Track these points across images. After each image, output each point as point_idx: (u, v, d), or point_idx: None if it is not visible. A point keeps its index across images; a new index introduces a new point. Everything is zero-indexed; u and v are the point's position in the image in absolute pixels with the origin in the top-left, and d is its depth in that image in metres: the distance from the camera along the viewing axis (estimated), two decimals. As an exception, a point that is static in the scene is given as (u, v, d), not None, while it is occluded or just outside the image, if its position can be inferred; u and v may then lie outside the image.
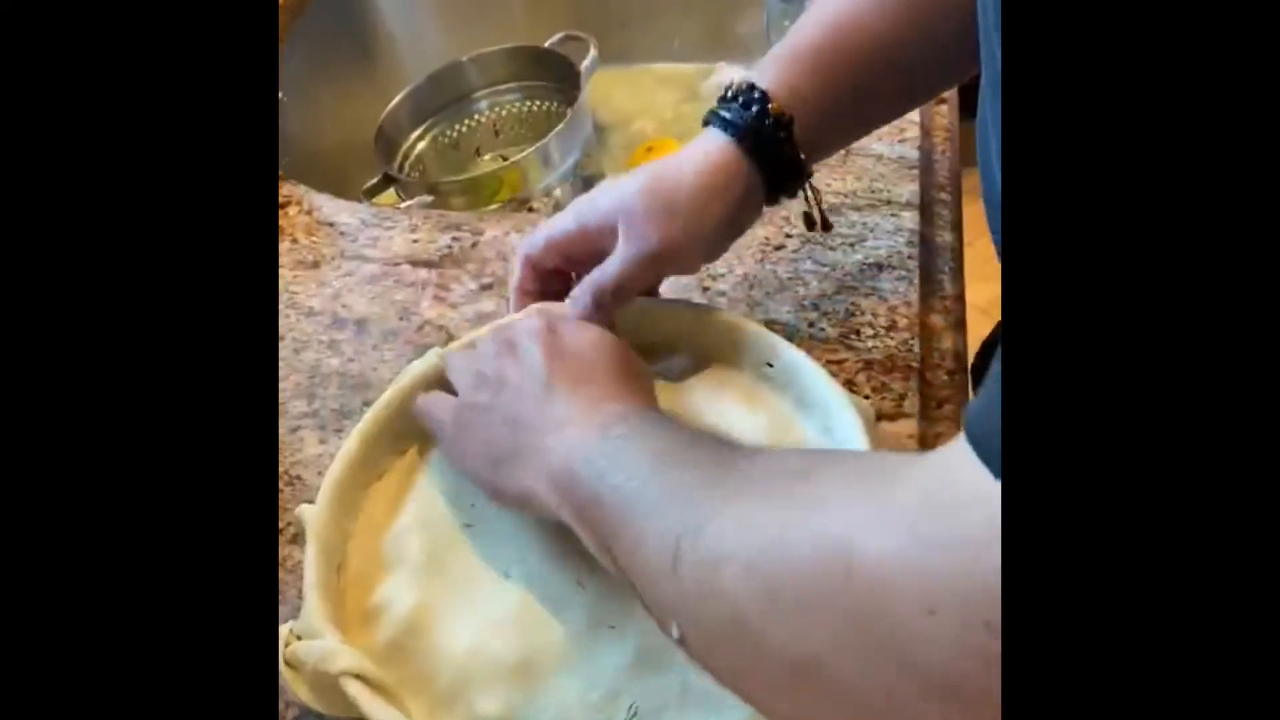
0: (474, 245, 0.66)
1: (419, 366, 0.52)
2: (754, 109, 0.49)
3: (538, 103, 0.98)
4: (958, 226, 0.63)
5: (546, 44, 0.95)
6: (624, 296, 0.50)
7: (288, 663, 0.44)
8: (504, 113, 0.99)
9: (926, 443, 0.52)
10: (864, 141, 0.66)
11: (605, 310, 0.50)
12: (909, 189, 0.63)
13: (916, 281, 0.58)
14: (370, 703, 0.41)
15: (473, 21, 1.03)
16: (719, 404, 0.51)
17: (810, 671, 0.30)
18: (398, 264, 0.65)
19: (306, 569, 0.46)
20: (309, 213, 0.70)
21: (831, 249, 0.61)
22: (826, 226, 0.57)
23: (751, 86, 0.49)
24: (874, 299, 0.58)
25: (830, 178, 0.64)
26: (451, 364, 0.51)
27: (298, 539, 0.50)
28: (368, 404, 0.56)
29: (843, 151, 0.66)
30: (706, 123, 0.51)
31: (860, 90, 0.51)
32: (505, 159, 0.92)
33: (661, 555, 0.35)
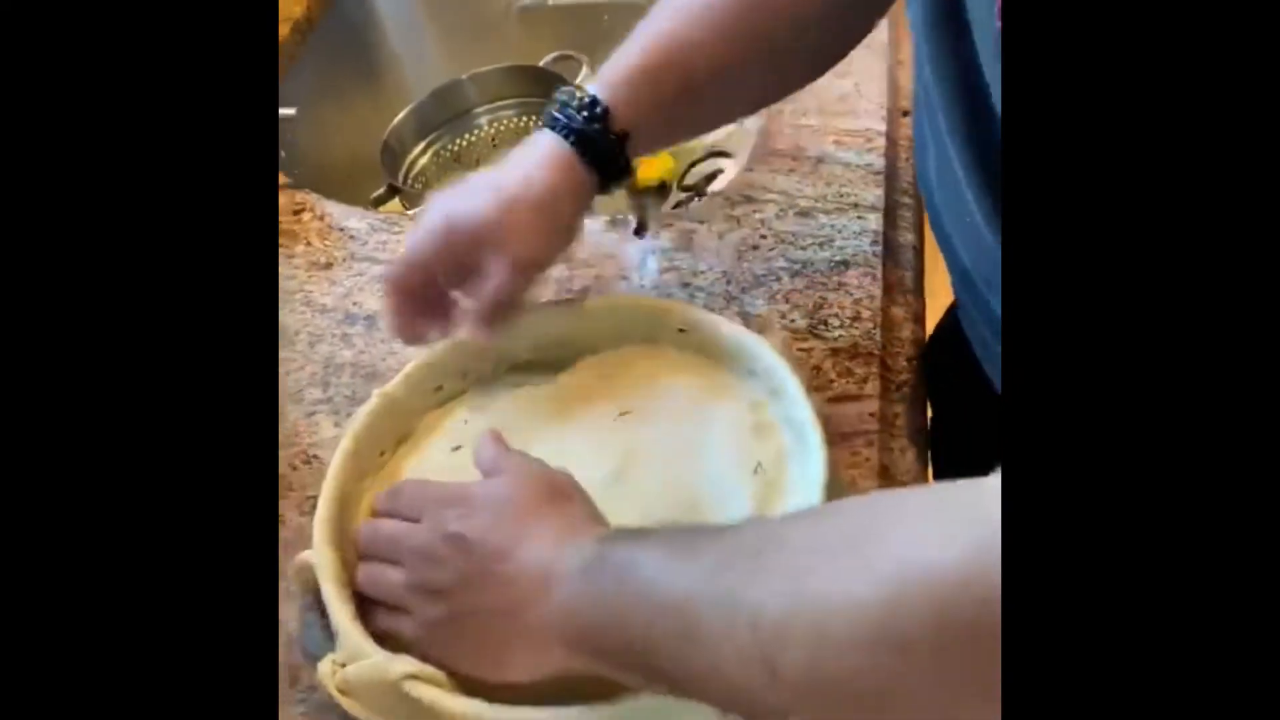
0: (475, 247, 0.71)
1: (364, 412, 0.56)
2: (596, 125, 0.53)
3: (534, 118, 1.03)
4: (919, 228, 0.68)
5: (541, 63, 1.01)
6: (515, 308, 0.54)
7: (341, 691, 0.46)
8: (502, 128, 1.04)
9: (886, 420, 0.57)
10: (833, 150, 0.72)
11: (501, 324, 0.53)
12: (874, 194, 0.68)
13: (880, 277, 0.64)
14: (442, 697, 0.43)
15: (472, 42, 1.09)
16: (649, 380, 0.56)
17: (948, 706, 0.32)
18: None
19: (331, 607, 0.48)
20: (321, 218, 0.75)
21: (803, 249, 0.66)
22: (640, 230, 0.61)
23: (595, 101, 0.53)
24: (841, 294, 0.63)
25: (802, 184, 0.70)
26: (375, 579, 0.48)
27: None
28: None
29: (814, 159, 0.72)
30: (549, 125, 0.54)
31: (691, 104, 0.55)
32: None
33: (750, 674, 0.34)
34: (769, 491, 0.50)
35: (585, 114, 0.53)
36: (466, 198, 0.53)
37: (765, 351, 0.53)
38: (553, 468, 0.48)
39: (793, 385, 0.52)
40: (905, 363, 0.61)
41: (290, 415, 0.63)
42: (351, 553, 0.51)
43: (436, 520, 0.46)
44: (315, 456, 0.60)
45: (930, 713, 0.33)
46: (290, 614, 0.52)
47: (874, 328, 0.61)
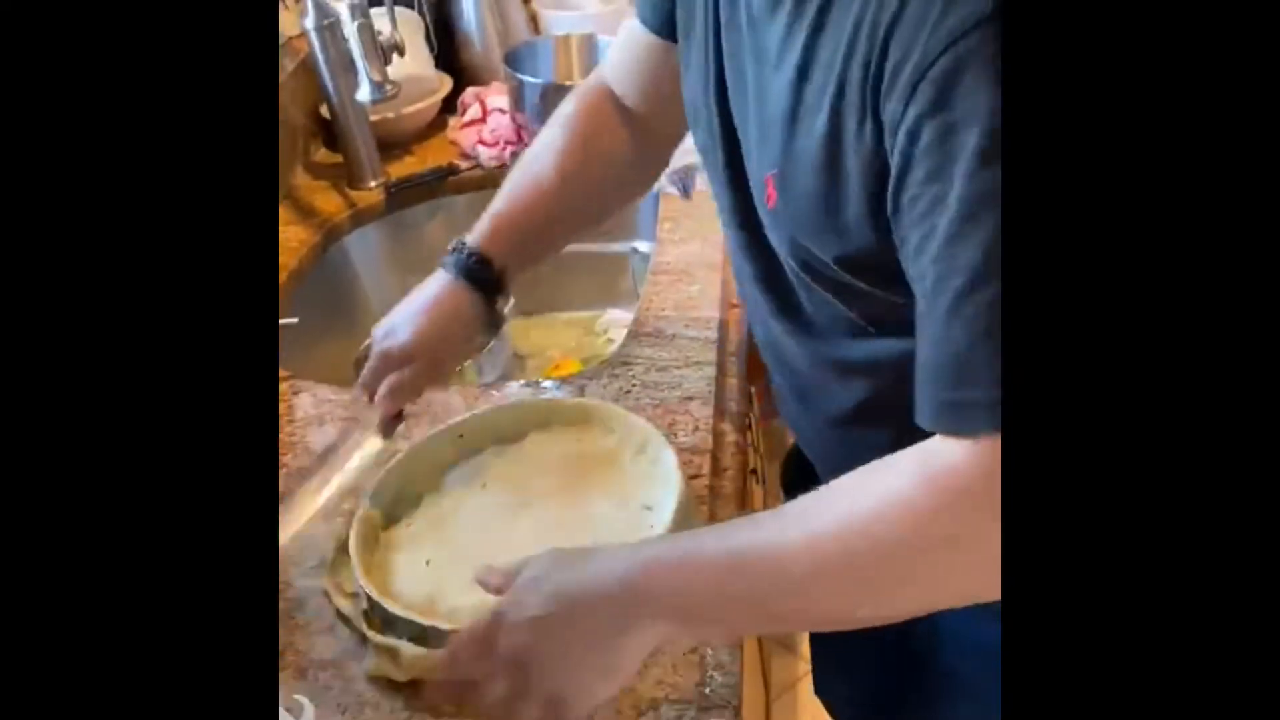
0: (429, 405, 0.98)
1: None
2: (473, 263, 0.81)
3: (474, 339, 1.34)
4: (742, 375, 0.98)
5: (480, 297, 1.33)
6: (414, 392, 0.84)
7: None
8: (449, 348, 1.34)
9: (714, 490, 0.83)
10: (684, 330, 1.02)
11: (399, 403, 0.83)
12: (710, 355, 0.98)
13: (712, 405, 0.92)
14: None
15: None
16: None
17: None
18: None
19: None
20: (315, 394, 1.02)
21: (661, 391, 0.94)
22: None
23: (475, 251, 0.82)
24: (686, 416, 0.91)
25: (662, 352, 0.99)
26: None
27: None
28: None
29: (670, 335, 1.02)
30: (444, 268, 0.82)
31: (545, 233, 0.86)
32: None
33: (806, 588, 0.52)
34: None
35: (465, 256, 0.82)
36: (401, 328, 0.82)
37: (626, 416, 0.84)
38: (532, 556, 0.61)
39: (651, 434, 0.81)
40: (729, 458, 0.88)
41: (295, 517, 0.86)
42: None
43: (503, 631, 0.57)
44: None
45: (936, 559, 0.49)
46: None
47: (708, 434, 0.89)
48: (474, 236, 0.84)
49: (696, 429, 0.89)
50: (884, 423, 0.55)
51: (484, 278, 0.82)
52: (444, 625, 0.69)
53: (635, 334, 1.03)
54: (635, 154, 0.86)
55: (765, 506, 0.86)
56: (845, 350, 0.64)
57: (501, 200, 0.85)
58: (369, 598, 0.74)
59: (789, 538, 0.52)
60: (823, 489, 0.54)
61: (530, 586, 0.58)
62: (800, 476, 0.88)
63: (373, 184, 1.37)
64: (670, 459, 0.79)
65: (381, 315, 1.36)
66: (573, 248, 1.43)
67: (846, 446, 0.66)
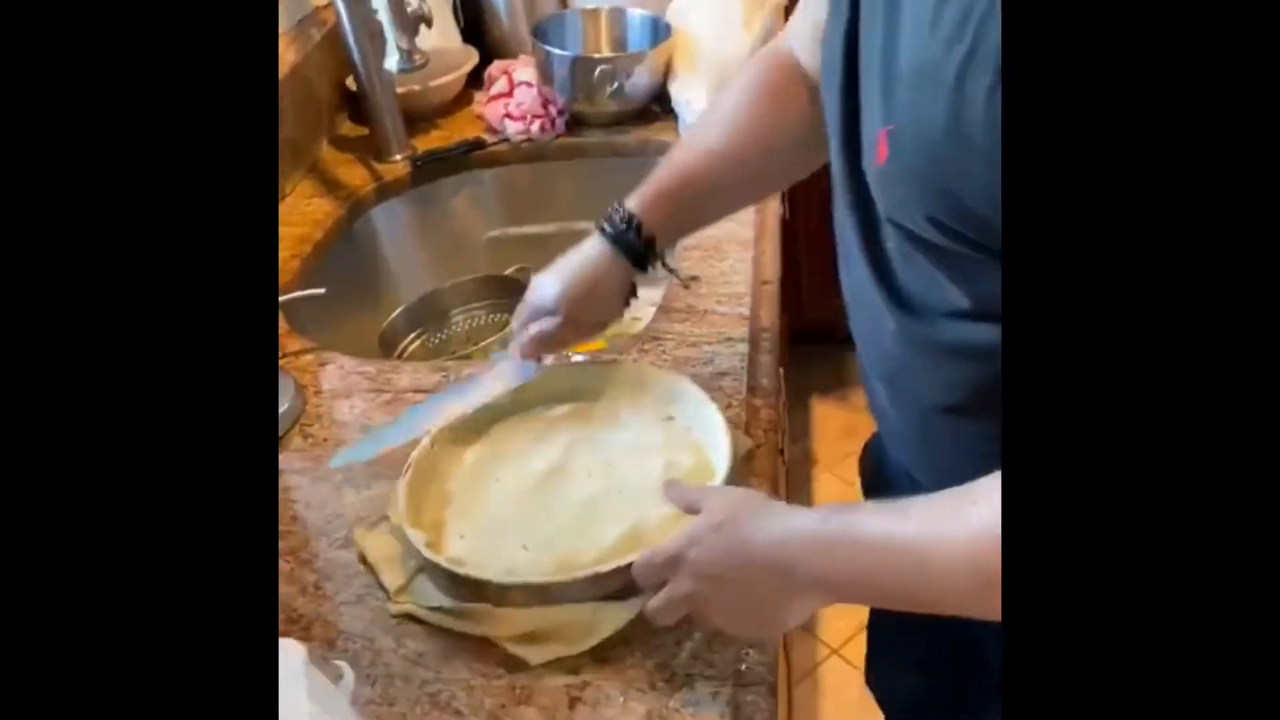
0: (453, 379, 0.97)
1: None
2: (630, 234, 0.80)
3: (500, 315, 1.32)
4: (775, 352, 0.96)
5: (505, 273, 1.32)
6: (557, 345, 0.84)
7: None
8: (475, 324, 1.33)
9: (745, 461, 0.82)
10: (715, 307, 1.01)
11: (540, 351, 0.83)
12: (742, 331, 0.96)
13: (744, 380, 0.90)
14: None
15: (451, 260, 1.40)
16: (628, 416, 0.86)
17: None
18: (404, 393, 0.96)
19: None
20: (340, 365, 1.01)
21: (693, 368, 0.93)
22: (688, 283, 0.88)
23: (632, 216, 0.80)
24: (719, 393, 0.89)
25: (694, 329, 0.98)
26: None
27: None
28: (388, 471, 0.85)
29: (702, 312, 1.00)
30: (599, 230, 0.82)
31: (700, 210, 0.84)
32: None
33: (967, 585, 0.52)
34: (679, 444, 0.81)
35: (625, 224, 0.81)
36: (542, 286, 0.83)
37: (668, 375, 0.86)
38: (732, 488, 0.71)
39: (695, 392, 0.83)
40: (763, 434, 0.86)
41: (321, 488, 0.86)
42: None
43: (682, 571, 0.63)
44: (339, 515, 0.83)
45: None
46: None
47: (741, 410, 0.87)
48: (634, 200, 0.82)
49: (729, 405, 0.88)
50: (978, 416, 0.53)
51: (632, 245, 0.81)
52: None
53: (666, 309, 1.01)
54: (814, 124, 0.77)
55: (789, 488, 0.85)
56: (941, 331, 0.61)
57: (666, 166, 0.82)
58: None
59: (946, 535, 0.53)
60: (971, 487, 0.53)
61: (712, 532, 0.63)
62: (879, 473, 0.88)
63: (399, 157, 1.36)
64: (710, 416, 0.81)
65: (407, 288, 1.38)
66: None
67: (939, 440, 0.66)
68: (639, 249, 0.81)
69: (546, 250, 1.42)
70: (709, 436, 0.81)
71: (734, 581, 0.62)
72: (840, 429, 2.12)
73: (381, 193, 1.35)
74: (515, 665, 0.69)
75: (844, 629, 1.71)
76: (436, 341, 1.31)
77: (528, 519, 0.77)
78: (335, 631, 0.73)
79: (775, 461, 0.85)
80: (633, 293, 0.85)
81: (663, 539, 0.66)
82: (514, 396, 0.87)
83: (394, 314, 1.28)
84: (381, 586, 0.75)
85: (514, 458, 0.83)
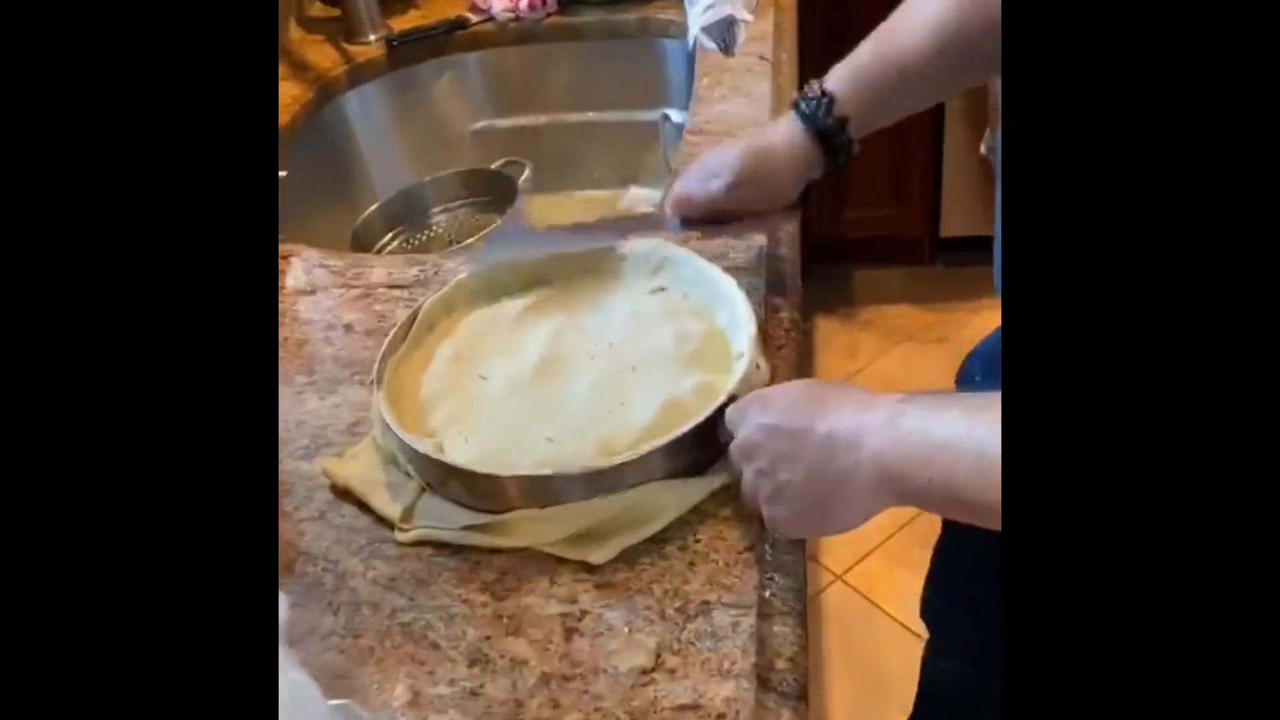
0: (436, 273, 0.86)
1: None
2: (820, 111, 0.72)
3: (486, 215, 1.21)
4: (796, 247, 0.85)
5: (492, 166, 1.20)
6: (709, 210, 0.76)
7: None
8: (458, 224, 1.21)
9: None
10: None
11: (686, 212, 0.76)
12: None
13: (763, 276, 0.80)
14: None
15: (432, 153, 1.28)
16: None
17: None
18: (377, 288, 0.85)
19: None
20: (305, 259, 0.90)
21: (710, 260, 0.82)
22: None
23: (824, 92, 0.72)
24: (734, 288, 0.79)
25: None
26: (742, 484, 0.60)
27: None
28: (356, 375, 0.75)
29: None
30: (793, 107, 0.73)
31: (896, 99, 0.74)
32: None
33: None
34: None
35: (818, 101, 0.72)
36: (719, 149, 0.76)
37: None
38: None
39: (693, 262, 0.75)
40: (784, 334, 0.76)
41: (283, 393, 0.75)
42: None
43: (745, 421, 0.59)
44: (302, 422, 0.73)
45: None
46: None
47: (759, 309, 0.76)
48: (832, 79, 0.73)
49: (747, 294, 0.77)
50: None
51: (821, 124, 0.72)
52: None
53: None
54: None
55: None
56: None
57: (870, 43, 0.74)
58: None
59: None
60: None
61: (785, 393, 0.59)
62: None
63: (372, 38, 1.23)
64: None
65: (383, 183, 1.26)
66: (593, 115, 1.33)
67: None
68: (830, 129, 0.72)
69: (538, 144, 1.33)
70: (714, 297, 0.73)
71: (802, 447, 0.55)
72: (844, 349, 2.03)
73: (354, 76, 1.22)
74: (502, 591, 0.60)
75: (847, 556, 1.63)
76: (417, 242, 1.19)
77: (540, 411, 0.67)
78: (295, 553, 0.63)
79: (796, 364, 0.75)
80: (813, 187, 0.76)
81: (706, 405, 0.63)
82: (461, 290, 0.77)
83: (368, 211, 1.16)
84: (379, 520, 0.65)
85: (494, 354, 0.73)
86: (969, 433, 0.48)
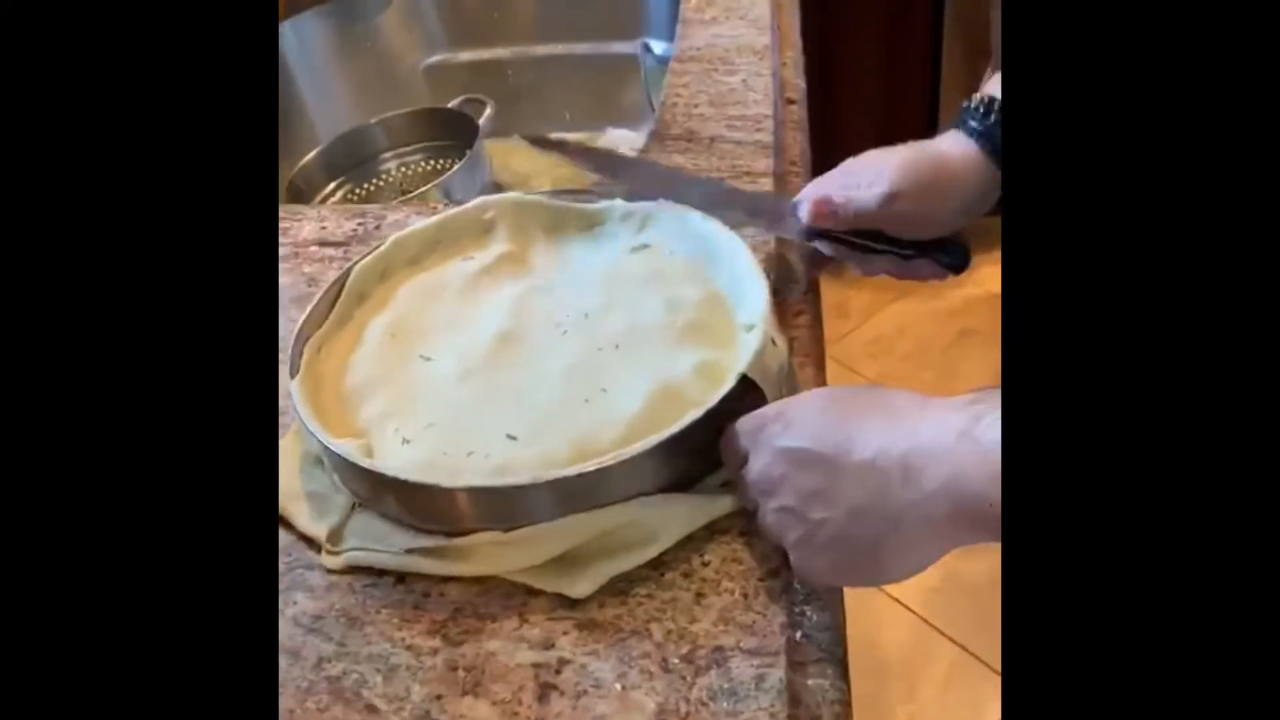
0: (378, 227, 0.72)
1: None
2: (993, 119, 0.57)
3: (442, 160, 1.06)
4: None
5: (449, 105, 1.05)
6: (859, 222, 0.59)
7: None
8: (410, 171, 1.07)
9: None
10: (726, 132, 0.76)
11: (827, 220, 0.59)
12: (765, 163, 0.72)
13: (772, 226, 0.66)
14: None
15: (380, 93, 1.13)
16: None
17: None
18: (308, 245, 0.71)
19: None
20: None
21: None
22: None
23: (994, 100, 0.58)
24: (737, 242, 0.65)
25: (698, 160, 0.73)
26: (759, 519, 0.47)
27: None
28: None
29: (708, 139, 0.75)
30: (957, 127, 0.59)
31: None
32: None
33: None
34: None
35: (983, 110, 0.58)
36: (879, 155, 0.60)
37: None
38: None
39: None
40: (800, 296, 0.63)
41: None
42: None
43: (762, 444, 0.45)
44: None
45: None
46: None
47: (769, 268, 0.63)
48: (994, 83, 0.59)
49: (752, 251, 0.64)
50: None
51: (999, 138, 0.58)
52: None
53: (660, 137, 0.76)
54: None
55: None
56: None
57: None
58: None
59: None
60: None
61: (810, 405, 0.46)
62: None
63: (309, -42, 1.07)
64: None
65: (324, 125, 1.10)
66: (564, 47, 1.18)
67: None
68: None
69: (500, 81, 1.18)
70: (711, 255, 0.60)
71: (836, 479, 0.42)
72: (834, 308, 1.90)
73: (290, 4, 1.07)
74: (457, 634, 0.47)
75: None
76: (363, 192, 1.05)
77: (498, 400, 0.53)
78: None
79: (818, 335, 0.61)
80: (988, 205, 0.60)
81: (710, 392, 0.49)
82: (400, 250, 0.63)
83: (307, 158, 1.02)
84: (302, 538, 0.52)
85: (441, 327, 0.58)
86: None
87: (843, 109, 1.79)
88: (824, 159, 0.66)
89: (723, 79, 0.81)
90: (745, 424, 0.48)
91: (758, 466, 0.46)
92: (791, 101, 0.79)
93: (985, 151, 0.58)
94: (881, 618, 1.42)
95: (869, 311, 1.91)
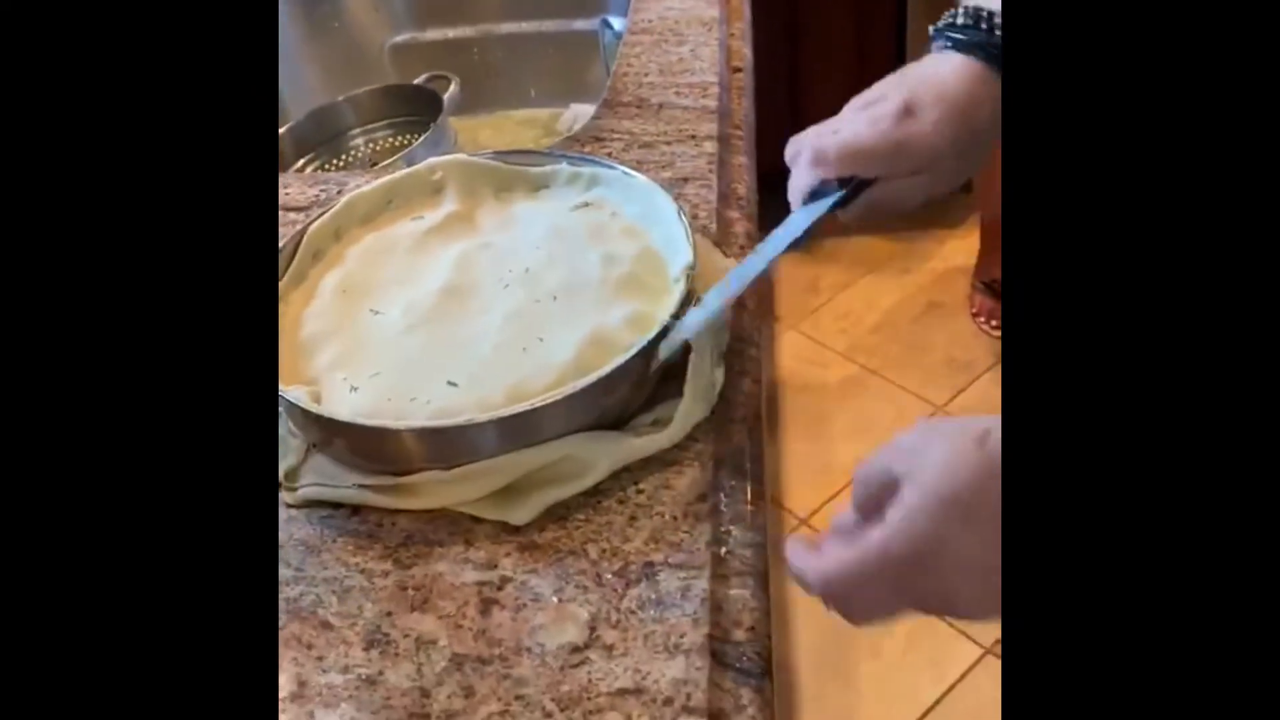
0: (339, 192, 0.75)
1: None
2: (985, 27, 0.51)
3: (409, 135, 1.09)
4: (751, 153, 0.75)
5: (415, 82, 1.08)
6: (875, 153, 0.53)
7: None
8: (378, 147, 1.10)
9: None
10: (674, 99, 0.79)
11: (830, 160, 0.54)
12: (709, 128, 0.75)
13: (715, 187, 0.70)
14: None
15: (346, 72, 1.15)
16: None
17: None
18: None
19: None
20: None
21: (645, 171, 0.72)
22: None
23: (980, 9, 0.52)
24: (681, 201, 0.68)
25: (646, 125, 0.76)
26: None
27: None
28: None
29: (656, 105, 0.79)
30: (946, 47, 0.53)
31: None
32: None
33: None
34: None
35: (972, 22, 0.52)
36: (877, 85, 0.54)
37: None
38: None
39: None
40: (738, 250, 0.66)
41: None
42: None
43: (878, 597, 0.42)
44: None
45: None
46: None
47: (710, 222, 0.67)
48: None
49: (695, 215, 0.67)
50: None
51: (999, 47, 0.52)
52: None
53: (611, 104, 0.79)
54: None
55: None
56: None
57: None
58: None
59: None
60: None
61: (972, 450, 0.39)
62: None
63: (275, -61, 1.09)
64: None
65: (293, 102, 1.11)
66: (528, 25, 1.20)
67: None
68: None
69: (466, 60, 1.21)
70: (647, 213, 0.63)
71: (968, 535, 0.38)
72: (805, 282, 1.94)
73: (257, -16, 1.08)
74: (407, 558, 0.50)
75: (813, 497, 1.56)
76: (332, 168, 1.08)
77: (443, 350, 0.56)
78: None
79: (766, 292, 0.65)
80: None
81: (636, 338, 0.53)
82: (352, 211, 0.66)
83: (276, 134, 1.04)
84: None
85: (390, 284, 0.61)
86: None
87: (812, 65, 1.81)
88: (798, 118, 0.62)
89: (672, 49, 0.84)
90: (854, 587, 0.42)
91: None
92: (738, 70, 0.83)
93: (985, 60, 0.51)
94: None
95: (838, 287, 1.94)
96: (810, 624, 1.41)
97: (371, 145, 1.09)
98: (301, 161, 1.07)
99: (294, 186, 0.76)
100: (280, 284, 0.61)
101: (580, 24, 1.14)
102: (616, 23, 1.11)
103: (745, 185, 0.72)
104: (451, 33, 1.18)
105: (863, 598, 0.42)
